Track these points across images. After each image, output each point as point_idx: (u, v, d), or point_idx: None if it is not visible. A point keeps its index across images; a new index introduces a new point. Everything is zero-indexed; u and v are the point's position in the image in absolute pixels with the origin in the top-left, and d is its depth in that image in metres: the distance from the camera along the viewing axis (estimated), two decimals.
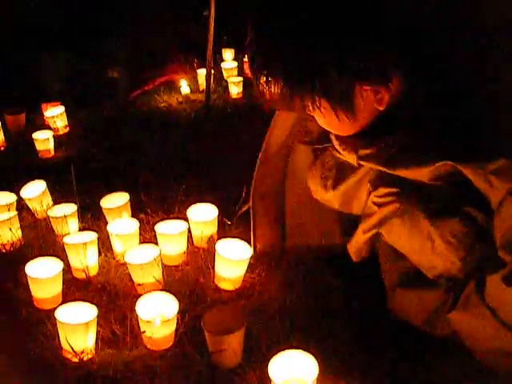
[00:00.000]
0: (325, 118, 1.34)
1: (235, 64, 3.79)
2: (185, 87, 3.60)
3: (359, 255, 1.52)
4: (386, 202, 1.37)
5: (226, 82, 3.62)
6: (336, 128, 1.40)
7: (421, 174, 1.29)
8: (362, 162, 1.41)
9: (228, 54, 4.01)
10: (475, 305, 1.26)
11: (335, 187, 1.52)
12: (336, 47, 1.17)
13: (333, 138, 1.48)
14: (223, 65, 3.80)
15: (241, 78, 3.54)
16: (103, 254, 1.86)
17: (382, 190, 1.37)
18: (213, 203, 1.93)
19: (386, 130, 1.32)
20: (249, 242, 1.73)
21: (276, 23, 1.21)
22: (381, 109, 1.27)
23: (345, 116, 1.28)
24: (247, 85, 3.53)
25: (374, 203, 1.40)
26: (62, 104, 3.14)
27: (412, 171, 1.30)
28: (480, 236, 1.27)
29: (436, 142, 1.26)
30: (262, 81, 1.26)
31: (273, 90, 1.25)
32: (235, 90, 3.50)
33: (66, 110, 3.07)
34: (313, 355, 1.29)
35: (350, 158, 1.45)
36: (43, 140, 2.75)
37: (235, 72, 3.74)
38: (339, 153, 1.50)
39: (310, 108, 1.27)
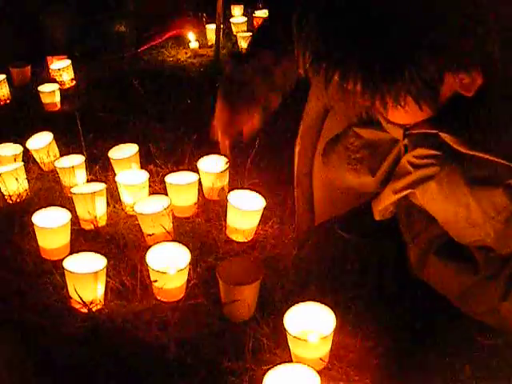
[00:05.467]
0: (398, 113, 1.16)
1: (245, 19, 3.73)
2: (193, 42, 3.53)
3: (383, 214, 1.45)
4: (424, 164, 1.27)
5: (236, 36, 3.55)
6: (406, 119, 1.24)
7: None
8: (411, 131, 1.29)
9: (237, 11, 3.92)
10: None
11: (374, 173, 1.42)
12: (429, 29, 1.00)
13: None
14: (233, 20, 3.72)
15: (250, 33, 3.46)
16: (112, 206, 1.82)
17: (422, 151, 1.26)
18: (223, 155, 1.87)
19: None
20: (261, 194, 1.68)
21: (357, 10, 1.01)
22: (469, 95, 1.11)
23: (427, 106, 1.12)
24: None
25: (410, 163, 1.30)
26: (68, 57, 3.07)
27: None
28: None
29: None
30: (335, 78, 1.05)
31: (349, 87, 1.05)
32: (244, 44, 3.42)
33: (73, 64, 3.00)
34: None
35: (395, 131, 1.34)
36: (49, 93, 2.69)
37: (244, 27, 3.68)
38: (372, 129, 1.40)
39: (389, 104, 1.08)
